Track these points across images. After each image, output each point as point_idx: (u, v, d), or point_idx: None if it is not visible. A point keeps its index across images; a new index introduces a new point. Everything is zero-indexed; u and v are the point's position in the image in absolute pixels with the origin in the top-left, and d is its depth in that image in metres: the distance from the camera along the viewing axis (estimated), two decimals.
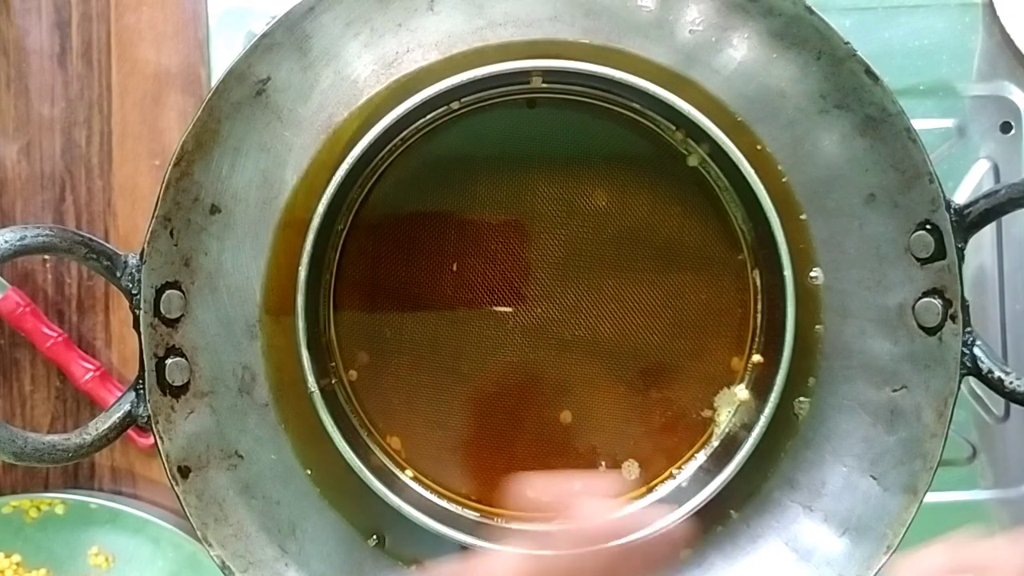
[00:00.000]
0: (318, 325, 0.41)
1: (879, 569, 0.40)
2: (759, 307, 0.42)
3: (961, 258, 0.40)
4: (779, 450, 0.41)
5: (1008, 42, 0.52)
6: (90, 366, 0.52)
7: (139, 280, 0.39)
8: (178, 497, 0.39)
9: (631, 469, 0.42)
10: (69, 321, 0.53)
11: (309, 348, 0.39)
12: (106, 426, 0.39)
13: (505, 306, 0.42)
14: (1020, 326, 0.53)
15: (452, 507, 0.42)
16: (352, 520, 0.41)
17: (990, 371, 0.39)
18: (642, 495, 0.42)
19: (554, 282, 0.42)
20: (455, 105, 0.41)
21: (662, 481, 0.42)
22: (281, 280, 0.40)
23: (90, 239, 0.39)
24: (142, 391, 0.39)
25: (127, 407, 0.39)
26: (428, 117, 0.41)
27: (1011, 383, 0.39)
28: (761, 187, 0.39)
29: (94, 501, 0.51)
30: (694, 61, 0.40)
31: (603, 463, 0.42)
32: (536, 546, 0.34)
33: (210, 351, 0.40)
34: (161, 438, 0.39)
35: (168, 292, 0.39)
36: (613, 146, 0.42)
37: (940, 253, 0.40)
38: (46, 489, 0.53)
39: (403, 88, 0.40)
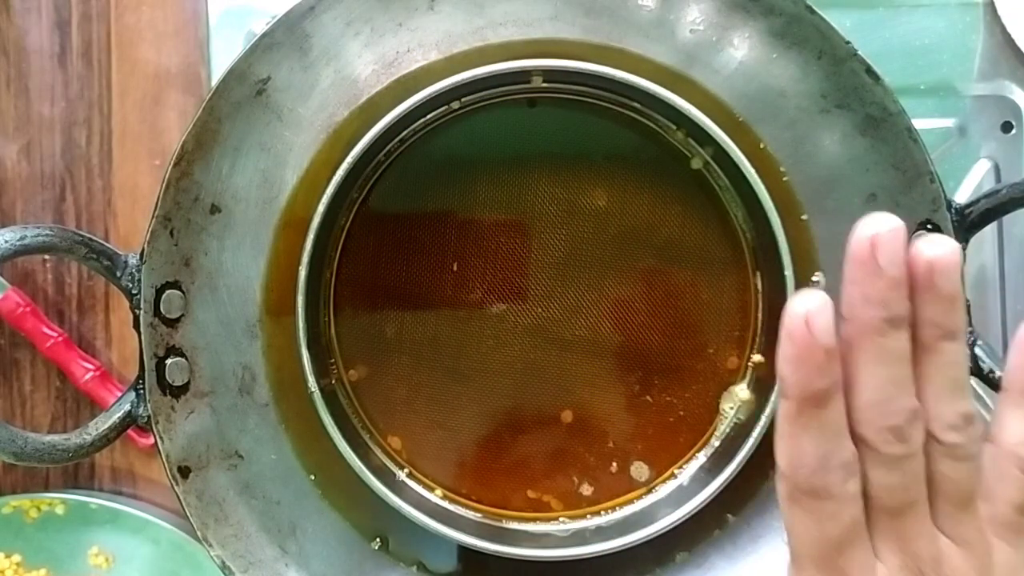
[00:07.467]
0: (318, 325, 0.41)
1: None
2: (760, 307, 0.42)
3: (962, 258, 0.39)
4: None
5: (1009, 41, 0.51)
6: (90, 366, 0.52)
7: (139, 280, 0.39)
8: (178, 497, 0.39)
9: (640, 470, 0.42)
10: (69, 321, 0.53)
11: (309, 348, 0.39)
12: (106, 426, 0.39)
13: (506, 305, 0.42)
14: None
15: (453, 507, 0.42)
16: (353, 521, 0.41)
17: (991, 371, 0.39)
18: (642, 495, 0.42)
19: (554, 282, 0.42)
20: (455, 105, 0.41)
21: (663, 481, 0.42)
22: (281, 280, 0.40)
23: (90, 239, 0.39)
24: (142, 391, 0.39)
25: (127, 407, 0.39)
26: (428, 117, 0.41)
27: None
28: (762, 187, 0.39)
29: (94, 501, 0.51)
30: (695, 61, 0.40)
31: (603, 463, 0.42)
32: (536, 546, 0.34)
33: (210, 351, 0.40)
34: (161, 438, 0.39)
35: (168, 292, 0.39)
36: (613, 146, 0.42)
37: None
38: (46, 489, 0.53)
39: (403, 88, 0.40)
